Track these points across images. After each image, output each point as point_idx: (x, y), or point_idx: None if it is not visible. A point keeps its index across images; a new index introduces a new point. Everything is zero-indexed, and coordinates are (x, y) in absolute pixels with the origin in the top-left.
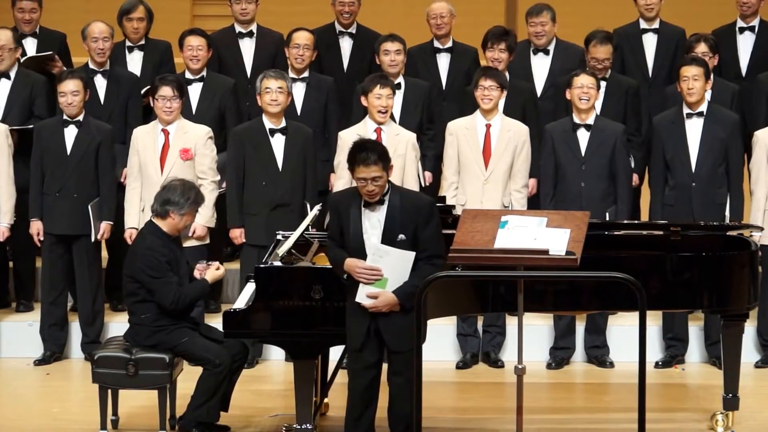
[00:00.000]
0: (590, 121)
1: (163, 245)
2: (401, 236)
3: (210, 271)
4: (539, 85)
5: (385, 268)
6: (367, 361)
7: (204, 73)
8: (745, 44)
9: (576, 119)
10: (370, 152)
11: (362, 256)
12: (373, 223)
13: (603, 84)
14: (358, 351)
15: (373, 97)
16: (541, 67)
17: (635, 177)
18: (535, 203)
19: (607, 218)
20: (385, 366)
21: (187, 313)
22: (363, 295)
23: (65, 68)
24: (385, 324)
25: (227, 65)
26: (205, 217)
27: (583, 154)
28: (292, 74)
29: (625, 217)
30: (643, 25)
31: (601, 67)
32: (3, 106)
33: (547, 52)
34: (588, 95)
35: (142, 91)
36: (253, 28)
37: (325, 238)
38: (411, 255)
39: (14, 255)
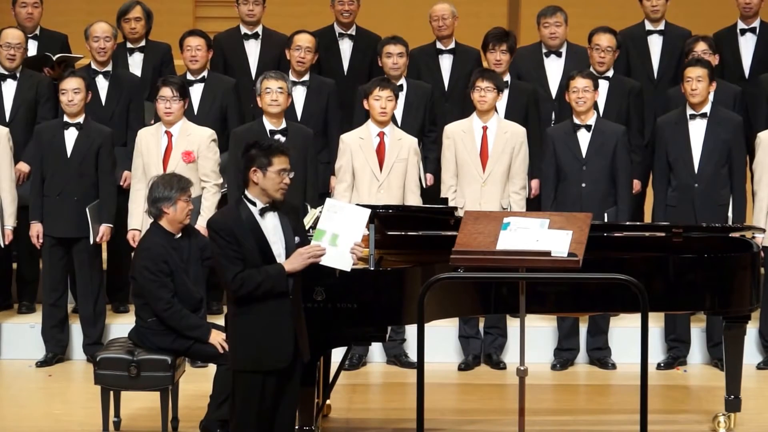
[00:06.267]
0: (590, 122)
1: (165, 246)
2: (297, 238)
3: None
4: (554, 88)
5: (338, 224)
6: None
7: (205, 73)
8: (747, 46)
9: (576, 120)
10: (280, 144)
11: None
12: (269, 230)
13: (606, 85)
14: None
15: (372, 99)
16: (554, 69)
17: (636, 183)
18: (537, 205)
19: (606, 219)
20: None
21: (173, 330)
22: (335, 263)
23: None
24: (301, 333)
25: (232, 67)
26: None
27: (584, 155)
28: (293, 77)
29: (625, 218)
30: (648, 26)
31: (603, 60)
32: (10, 107)
33: (559, 55)
34: (584, 98)
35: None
36: (259, 29)
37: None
38: (365, 211)
39: (19, 257)
